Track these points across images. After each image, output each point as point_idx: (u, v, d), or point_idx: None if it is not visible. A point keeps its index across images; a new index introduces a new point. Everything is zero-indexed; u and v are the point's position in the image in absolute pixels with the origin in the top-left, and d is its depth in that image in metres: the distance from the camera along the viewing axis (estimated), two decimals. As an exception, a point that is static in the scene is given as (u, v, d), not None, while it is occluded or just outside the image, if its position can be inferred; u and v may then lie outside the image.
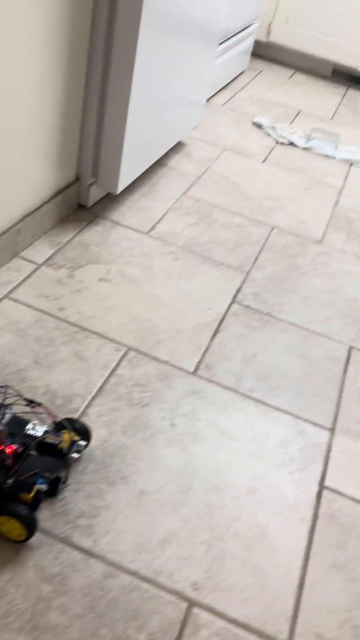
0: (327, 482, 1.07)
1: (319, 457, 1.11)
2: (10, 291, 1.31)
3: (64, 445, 0.91)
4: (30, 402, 0.93)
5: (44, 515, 0.90)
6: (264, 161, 2.15)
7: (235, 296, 1.47)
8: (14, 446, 0.89)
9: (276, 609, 0.86)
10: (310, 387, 1.26)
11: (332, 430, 1.18)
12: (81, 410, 1.08)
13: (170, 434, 1.08)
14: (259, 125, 2.39)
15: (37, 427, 0.94)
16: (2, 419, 0.93)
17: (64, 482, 0.91)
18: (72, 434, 0.95)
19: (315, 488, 1.05)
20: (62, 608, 0.79)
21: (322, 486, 1.06)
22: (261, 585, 0.88)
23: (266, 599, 0.87)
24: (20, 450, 0.89)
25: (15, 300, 1.29)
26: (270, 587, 0.89)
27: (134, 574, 0.86)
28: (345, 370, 1.33)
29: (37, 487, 0.85)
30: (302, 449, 1.12)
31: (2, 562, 0.82)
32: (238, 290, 1.49)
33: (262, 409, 1.18)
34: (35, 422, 0.94)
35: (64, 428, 0.96)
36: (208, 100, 2.50)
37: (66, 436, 0.93)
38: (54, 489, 0.88)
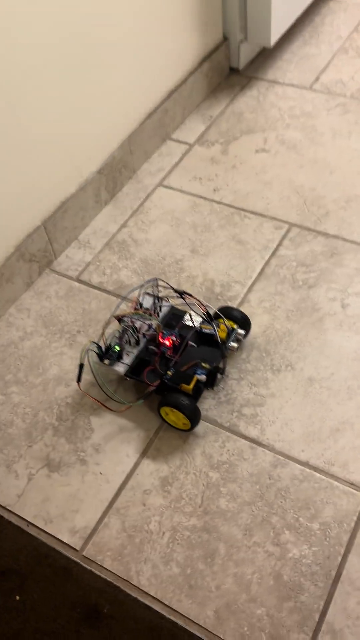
0: None
1: None
2: (163, 178, 1.26)
3: (222, 334, 0.88)
4: (181, 294, 0.90)
5: (209, 404, 0.89)
6: None
7: None
8: (172, 338, 0.88)
9: None
10: None
11: None
12: (241, 297, 1.02)
13: (341, 316, 0.97)
14: None
15: (194, 318, 0.91)
16: (158, 311, 0.92)
17: (222, 372, 0.88)
18: (230, 322, 0.91)
19: None
20: (231, 495, 0.80)
21: None
22: None
23: None
24: (178, 342, 0.88)
25: (169, 187, 1.24)
26: None
27: (304, 463, 0.82)
28: None
29: (196, 377, 0.84)
30: None
31: (171, 450, 0.85)
32: None
33: None
34: (192, 313, 0.91)
35: (222, 317, 0.91)
36: None
37: (223, 326, 0.89)
38: (213, 379, 0.86)
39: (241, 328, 0.92)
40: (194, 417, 0.83)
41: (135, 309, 0.91)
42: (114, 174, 1.21)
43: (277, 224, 1.13)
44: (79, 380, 0.87)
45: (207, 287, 1.05)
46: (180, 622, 0.71)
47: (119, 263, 1.10)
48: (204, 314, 0.88)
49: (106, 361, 0.87)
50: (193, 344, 0.88)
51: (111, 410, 0.88)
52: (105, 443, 0.86)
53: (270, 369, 0.92)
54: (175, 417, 0.84)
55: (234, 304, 1.01)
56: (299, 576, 0.72)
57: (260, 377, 0.91)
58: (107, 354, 0.87)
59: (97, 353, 0.87)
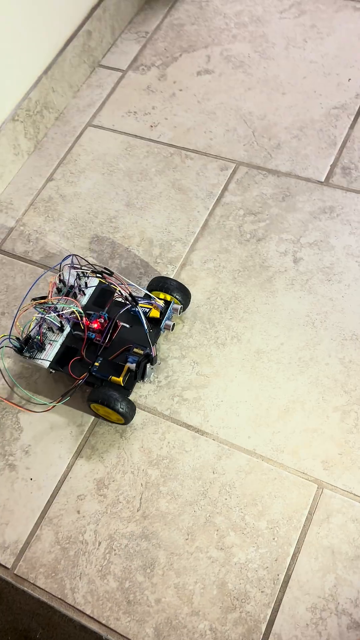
0: None
1: None
2: (94, 116, 1.09)
3: (154, 313, 0.77)
4: (100, 273, 0.78)
5: (147, 389, 0.80)
6: None
7: (387, 51, 1.04)
8: (100, 320, 0.77)
9: None
10: None
11: None
12: (183, 257, 0.90)
13: (293, 273, 0.86)
14: None
15: (124, 295, 0.79)
16: (83, 289, 0.80)
17: (153, 361, 0.77)
18: (165, 296, 0.80)
19: None
20: (171, 494, 0.73)
21: None
22: None
23: None
24: (107, 324, 0.77)
25: (100, 127, 1.08)
26: None
27: (251, 452, 0.74)
28: None
29: (127, 366, 0.74)
30: None
31: (107, 447, 0.77)
32: (392, 41, 1.05)
33: None
34: (123, 289, 0.80)
35: (156, 290, 0.80)
36: None
37: (154, 304, 0.78)
38: (143, 370, 0.76)
39: (180, 299, 0.81)
40: (127, 414, 0.74)
41: (58, 289, 0.79)
42: (34, 118, 1.05)
43: (223, 163, 0.99)
44: None
45: (145, 249, 0.92)
46: (118, 641, 0.66)
47: (46, 226, 0.97)
48: (127, 297, 0.77)
49: (26, 354, 0.77)
50: (125, 324, 0.78)
51: (34, 412, 0.79)
52: (35, 444, 0.79)
53: (215, 342, 0.82)
54: (105, 411, 0.75)
55: (175, 266, 0.90)
56: (245, 583, 0.66)
57: (204, 354, 0.81)
58: (27, 346, 0.77)
59: (14, 347, 0.76)
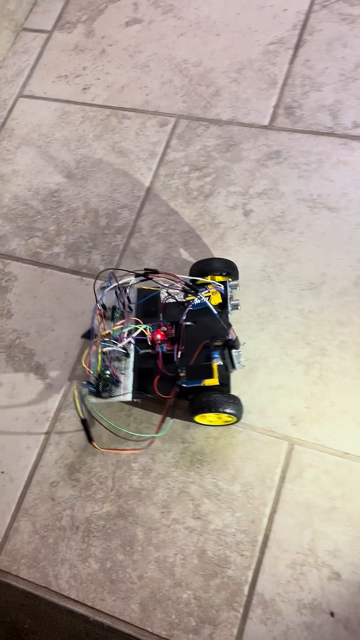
0: None
1: None
2: (23, 86, 1.03)
3: (215, 300, 0.70)
4: (146, 275, 0.71)
5: (109, 367, 0.78)
6: None
7: (321, -26, 0.98)
8: (163, 329, 0.69)
9: None
10: None
11: None
12: (130, 225, 0.87)
13: (244, 227, 0.83)
14: None
15: (171, 291, 0.72)
16: (128, 304, 0.73)
17: (237, 345, 0.67)
18: (211, 278, 0.73)
19: None
20: (143, 469, 0.72)
21: None
22: (382, 403, 0.69)
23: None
24: (171, 329, 0.70)
25: (31, 96, 1.02)
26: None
27: (219, 417, 0.73)
28: None
29: (215, 363, 0.66)
30: None
31: (74, 430, 0.75)
32: None
33: (373, 151, 0.83)
34: (167, 286, 0.72)
35: (201, 276, 0.74)
36: None
37: (213, 289, 0.71)
38: (230, 357, 0.67)
39: (231, 278, 0.74)
40: (237, 411, 0.67)
41: (101, 315, 0.71)
42: None
43: (162, 119, 0.94)
44: (90, 439, 0.70)
45: (91, 220, 0.89)
46: (106, 621, 0.66)
47: (-13, 210, 0.93)
48: (183, 289, 0.70)
49: (105, 394, 0.68)
50: (189, 322, 0.70)
51: (137, 451, 0.73)
52: (2, 437, 0.77)
53: (171, 310, 0.80)
54: (213, 417, 0.70)
55: (123, 235, 0.86)
56: (224, 548, 0.66)
57: (161, 323, 0.79)
58: (102, 386, 0.68)
59: (91, 393, 0.68)
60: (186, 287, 0.70)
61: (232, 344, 0.66)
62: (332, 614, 0.61)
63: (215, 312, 0.68)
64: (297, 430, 0.70)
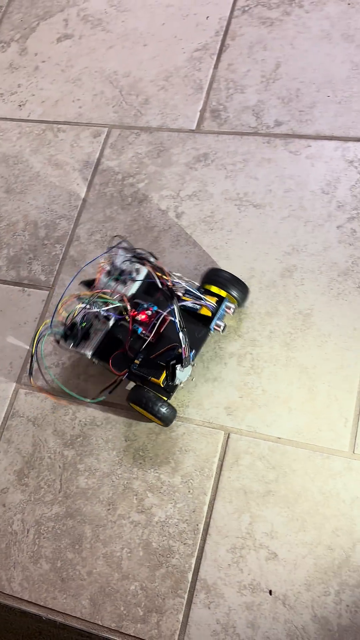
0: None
1: (382, 191, 0.80)
2: None
3: (204, 311, 0.71)
4: (141, 259, 0.72)
5: (53, 372, 0.80)
6: None
7: (241, -20, 1.01)
8: (148, 312, 0.71)
9: (333, 413, 0.70)
10: (363, 85, 0.87)
11: None
12: (69, 234, 0.89)
13: (177, 229, 0.85)
14: None
15: (177, 285, 0.72)
16: (134, 276, 0.74)
17: (184, 362, 0.68)
18: (217, 290, 0.73)
19: (378, 238, 0.78)
20: (89, 470, 0.74)
21: (386, 234, 0.78)
22: (310, 389, 0.72)
23: (319, 403, 0.71)
24: (154, 317, 0.70)
25: (-31, 117, 1.04)
26: (322, 393, 0.72)
27: (159, 413, 0.75)
28: None
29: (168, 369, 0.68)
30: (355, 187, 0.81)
31: (22, 437, 0.78)
32: (244, -31, 1.02)
33: (296, 146, 0.86)
34: (176, 279, 0.73)
35: (208, 284, 0.74)
36: None
37: (210, 299, 0.72)
38: (173, 371, 0.68)
39: (236, 296, 0.74)
40: (166, 418, 0.70)
41: (108, 272, 0.74)
42: None
43: (95, 130, 0.96)
44: (30, 373, 0.74)
45: (31, 232, 0.91)
46: (59, 619, 0.68)
47: None
48: (166, 291, 0.70)
49: (69, 342, 0.71)
50: (175, 320, 0.69)
51: (62, 402, 0.77)
52: None
53: (111, 314, 0.82)
54: (144, 413, 0.72)
55: (62, 245, 0.89)
56: (168, 539, 0.69)
57: (101, 327, 0.82)
58: (71, 334, 0.71)
59: (59, 334, 0.71)
60: (165, 289, 0.70)
61: (179, 360, 0.67)
62: (270, 592, 0.64)
63: (177, 321, 0.67)
64: (232, 420, 0.72)
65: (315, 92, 0.89)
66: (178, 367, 0.68)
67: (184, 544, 0.68)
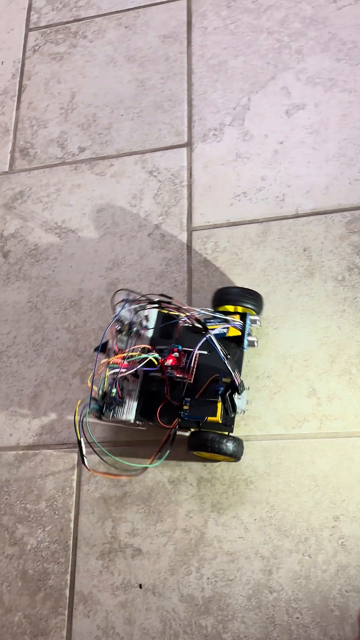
0: (194, 224, 0.84)
1: (182, 190, 0.87)
2: None
3: (232, 332, 0.69)
4: (158, 302, 0.69)
5: None
6: None
7: (28, 18, 1.07)
8: (175, 354, 0.67)
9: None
10: (152, 98, 0.94)
11: (189, 145, 0.89)
12: None
13: (6, 268, 0.89)
14: None
15: (200, 315, 0.69)
16: (145, 324, 0.71)
17: (239, 389, 0.65)
18: (233, 308, 0.71)
19: (184, 232, 0.84)
20: None
21: (190, 229, 0.84)
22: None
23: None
24: (184, 355, 0.67)
25: None
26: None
27: (15, 447, 0.78)
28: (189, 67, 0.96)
29: (219, 402, 0.64)
30: (161, 191, 0.87)
31: None
32: (30, 6, 1.08)
33: (100, 167, 0.91)
34: (187, 311, 0.69)
35: (221, 305, 0.72)
36: None
37: (235, 317, 0.69)
38: (231, 401, 0.65)
39: (253, 305, 0.72)
40: (235, 452, 0.66)
41: (119, 330, 0.71)
42: None
43: None
44: (83, 461, 0.67)
45: None
46: None
47: None
48: (194, 324, 0.68)
49: (107, 414, 0.67)
50: (203, 351, 0.67)
51: (129, 477, 0.72)
52: None
53: None
54: (211, 455, 0.68)
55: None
56: (42, 563, 0.72)
57: None
58: (106, 405, 0.67)
59: (95, 410, 0.67)
60: (195, 323, 0.68)
61: (234, 387, 0.65)
62: (140, 586, 0.68)
63: (219, 349, 0.64)
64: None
65: (110, 113, 0.95)
66: (235, 395, 0.65)
67: (57, 563, 0.71)
